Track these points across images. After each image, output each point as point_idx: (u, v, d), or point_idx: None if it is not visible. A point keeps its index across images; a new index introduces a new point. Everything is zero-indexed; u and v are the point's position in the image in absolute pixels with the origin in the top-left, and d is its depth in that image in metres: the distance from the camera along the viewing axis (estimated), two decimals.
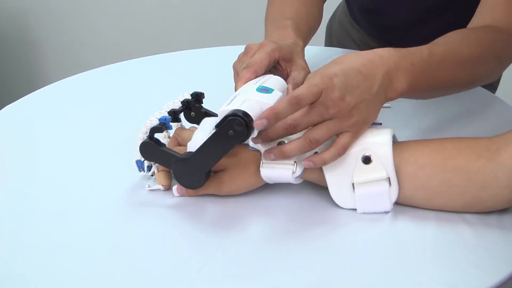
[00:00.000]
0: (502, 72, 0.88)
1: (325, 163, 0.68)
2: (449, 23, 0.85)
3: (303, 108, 0.66)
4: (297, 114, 0.67)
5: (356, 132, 0.68)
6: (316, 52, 0.92)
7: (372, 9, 1.15)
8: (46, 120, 0.96)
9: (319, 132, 0.67)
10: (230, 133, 0.66)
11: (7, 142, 0.90)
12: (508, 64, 0.87)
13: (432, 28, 0.84)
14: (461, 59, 0.77)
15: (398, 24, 1.12)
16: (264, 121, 0.65)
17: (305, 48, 0.90)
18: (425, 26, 1.07)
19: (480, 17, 0.84)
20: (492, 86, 1.17)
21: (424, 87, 0.74)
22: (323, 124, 0.67)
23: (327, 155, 0.67)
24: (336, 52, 1.17)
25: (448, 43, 0.77)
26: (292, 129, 0.67)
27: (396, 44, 1.17)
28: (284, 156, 0.68)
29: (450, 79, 0.77)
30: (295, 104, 0.65)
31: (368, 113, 0.68)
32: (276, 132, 0.67)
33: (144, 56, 1.19)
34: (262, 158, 0.70)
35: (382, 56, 0.69)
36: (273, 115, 0.65)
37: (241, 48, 0.84)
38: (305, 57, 0.85)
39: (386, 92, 0.69)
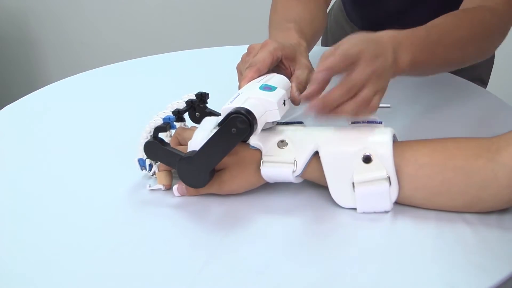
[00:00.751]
0: (495, 50, 0.93)
1: (343, 112, 0.68)
2: (434, 10, 0.87)
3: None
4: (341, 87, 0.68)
5: (381, 96, 0.71)
6: (313, 52, 0.92)
7: (362, 2, 1.17)
8: (46, 120, 0.96)
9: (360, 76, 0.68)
10: (233, 130, 0.66)
11: (7, 142, 0.90)
12: (500, 42, 0.91)
13: (419, 17, 0.85)
14: (454, 39, 0.82)
15: (387, 15, 1.13)
16: (324, 73, 0.68)
17: None
18: (413, 15, 1.08)
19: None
20: (483, 82, 1.18)
21: (423, 64, 0.79)
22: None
23: (347, 107, 0.68)
24: None
25: (442, 25, 0.83)
26: (350, 92, 0.68)
27: None
28: (327, 105, 0.68)
29: (446, 57, 0.83)
30: (343, 55, 0.68)
31: (385, 83, 0.72)
32: (333, 98, 0.68)
33: (144, 56, 1.19)
34: (262, 157, 0.70)
35: (387, 34, 0.75)
36: (330, 70, 0.68)
37: (242, 48, 0.84)
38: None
39: (393, 67, 0.74)
